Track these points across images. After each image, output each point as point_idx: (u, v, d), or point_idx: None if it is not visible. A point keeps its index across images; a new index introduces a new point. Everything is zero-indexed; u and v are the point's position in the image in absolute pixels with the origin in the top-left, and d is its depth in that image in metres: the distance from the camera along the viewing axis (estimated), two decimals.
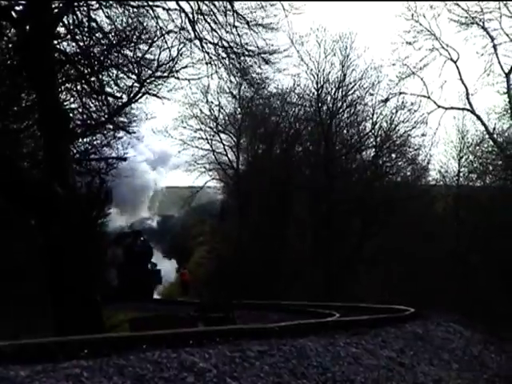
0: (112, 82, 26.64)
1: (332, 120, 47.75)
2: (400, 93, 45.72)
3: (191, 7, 23.29)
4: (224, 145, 57.34)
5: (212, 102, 54.82)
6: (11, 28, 22.00)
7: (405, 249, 43.19)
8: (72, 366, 8.05)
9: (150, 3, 23.28)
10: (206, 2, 23.27)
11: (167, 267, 51.64)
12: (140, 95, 29.60)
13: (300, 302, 30.36)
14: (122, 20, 23.83)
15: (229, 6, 23.39)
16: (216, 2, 23.33)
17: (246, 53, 24.76)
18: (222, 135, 57.13)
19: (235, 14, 23.55)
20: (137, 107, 31.70)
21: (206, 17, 23.39)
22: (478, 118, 44.26)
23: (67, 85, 26.11)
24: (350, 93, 47.41)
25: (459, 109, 45.98)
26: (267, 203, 48.89)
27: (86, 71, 24.90)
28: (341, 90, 47.18)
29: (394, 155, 48.38)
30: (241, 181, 54.01)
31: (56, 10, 20.51)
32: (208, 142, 57.33)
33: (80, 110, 27.39)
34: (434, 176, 49.59)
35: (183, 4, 23.28)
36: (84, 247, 18.31)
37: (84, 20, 22.28)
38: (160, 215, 58.22)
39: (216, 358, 9.64)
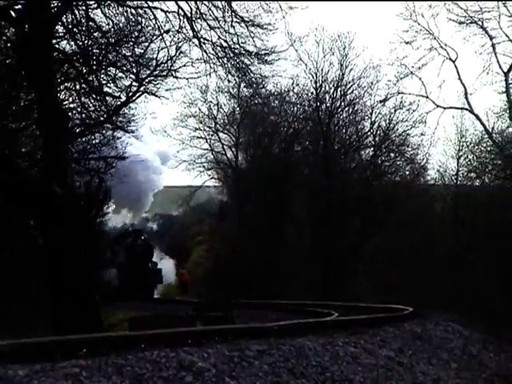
0: (110, 82, 26.65)
1: (331, 119, 47.79)
2: (399, 93, 45.84)
3: (190, 7, 23.32)
4: (223, 144, 57.43)
5: (211, 102, 54.96)
6: (10, 27, 21.99)
7: (403, 248, 43.22)
8: (71, 366, 8.05)
9: (150, 3, 23.29)
10: (205, 2, 23.28)
11: (167, 267, 51.60)
12: (139, 94, 29.59)
13: (299, 301, 30.35)
14: (120, 19, 23.84)
15: (227, 6, 23.40)
16: (214, 2, 23.33)
17: (244, 52, 24.76)
18: (221, 134, 57.25)
19: (233, 14, 23.57)
20: (135, 107, 31.69)
21: (204, 16, 23.41)
22: (477, 117, 44.35)
23: (66, 84, 26.11)
24: (348, 92, 47.50)
25: (458, 108, 46.08)
26: (266, 202, 48.92)
27: (84, 70, 24.90)
28: (339, 89, 47.26)
29: (392, 154, 48.44)
30: (240, 180, 54.00)
31: (55, 10, 20.51)
32: (207, 142, 57.44)
33: (79, 109, 27.40)
34: (433, 175, 49.71)
35: (182, 4, 23.32)
36: (83, 247, 18.30)
37: (82, 19, 22.27)
38: (159, 215, 58.24)
39: (215, 357, 9.64)
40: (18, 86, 24.92)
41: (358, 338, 13.49)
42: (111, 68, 26.15)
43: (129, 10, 23.42)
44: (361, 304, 24.99)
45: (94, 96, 26.10)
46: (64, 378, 7.64)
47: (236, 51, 24.61)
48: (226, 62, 25.09)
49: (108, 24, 23.62)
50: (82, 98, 26.58)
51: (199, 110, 55.33)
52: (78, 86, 25.91)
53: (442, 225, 46.65)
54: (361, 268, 45.46)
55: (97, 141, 31.14)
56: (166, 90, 30.05)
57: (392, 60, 46.35)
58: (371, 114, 47.62)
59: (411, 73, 44.89)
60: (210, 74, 26.31)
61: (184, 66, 28.01)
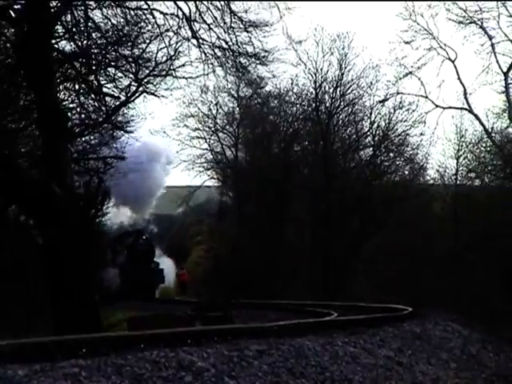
0: (110, 82, 26.65)
1: (330, 119, 47.75)
2: (398, 93, 45.74)
3: (189, 8, 23.32)
4: (222, 144, 57.43)
5: (211, 102, 54.99)
6: (9, 27, 22.00)
7: (403, 248, 43.18)
8: (70, 366, 8.05)
9: (150, 3, 23.29)
10: (204, 2, 23.28)
11: (166, 267, 51.41)
12: (138, 94, 29.60)
13: (298, 301, 30.36)
14: (119, 20, 23.84)
15: (226, 7, 23.41)
16: (213, 3, 23.34)
17: (243, 53, 24.76)
18: (221, 134, 57.24)
19: (232, 15, 23.57)
20: (135, 107, 31.70)
21: (203, 16, 23.41)
22: (476, 117, 44.29)
23: (65, 84, 26.11)
24: (348, 92, 47.42)
25: (457, 108, 45.98)
26: (265, 202, 48.90)
27: (83, 71, 24.91)
28: (339, 89, 47.19)
29: (392, 154, 48.41)
30: (239, 180, 53.98)
31: (54, 10, 20.52)
32: (206, 142, 57.46)
33: (78, 109, 27.42)
34: (433, 175, 49.65)
35: (181, 4, 23.31)
36: (82, 247, 18.31)
37: (82, 19, 22.28)
38: (156, 215, 58.04)
39: (214, 357, 9.65)
40: (18, 86, 24.92)
41: (358, 338, 13.50)
42: (110, 68, 26.17)
43: (128, 11, 23.44)
44: (360, 304, 25.01)
45: (93, 96, 26.11)
46: (63, 378, 7.64)
47: (235, 52, 24.61)
48: (224, 62, 25.10)
49: (107, 24, 23.65)
50: (82, 98, 26.62)
51: (199, 109, 55.43)
52: (77, 86, 25.94)
53: (442, 225, 46.62)
54: (360, 268, 45.44)
55: (96, 141, 31.15)
56: (165, 90, 30.08)
57: (391, 60, 46.13)
58: (370, 114, 47.62)
59: (410, 73, 44.84)
60: (208, 75, 26.34)
61: (183, 65, 28.06)
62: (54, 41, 21.74)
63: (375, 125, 47.42)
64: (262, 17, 24.58)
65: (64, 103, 26.02)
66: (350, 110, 48.32)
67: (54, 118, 18.95)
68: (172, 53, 27.18)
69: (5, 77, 24.45)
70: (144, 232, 48.37)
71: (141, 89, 29.30)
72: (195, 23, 23.66)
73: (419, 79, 45.53)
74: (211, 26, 23.66)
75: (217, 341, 10.60)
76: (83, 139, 30.19)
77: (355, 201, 45.43)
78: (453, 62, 44.63)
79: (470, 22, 41.81)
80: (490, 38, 41.84)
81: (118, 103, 28.77)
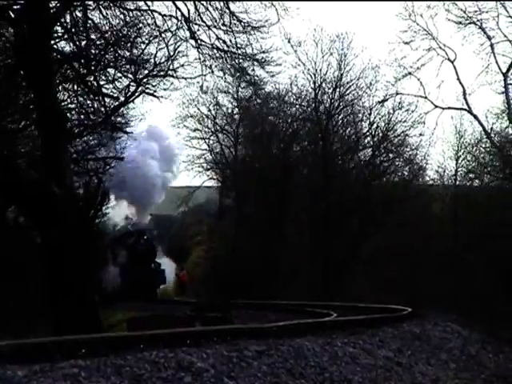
0: (109, 82, 26.65)
1: (329, 120, 47.74)
2: (397, 93, 45.72)
3: (187, 9, 23.32)
4: (222, 144, 57.45)
5: (210, 102, 55.05)
6: (9, 27, 21.99)
7: (403, 248, 43.19)
8: (70, 366, 8.06)
9: (149, 3, 23.30)
10: (203, 2, 23.27)
11: (166, 267, 51.25)
12: (137, 95, 29.60)
13: (298, 301, 30.36)
14: (118, 21, 23.83)
15: (225, 8, 23.40)
16: (212, 3, 23.33)
17: (242, 54, 24.77)
18: (220, 135, 57.28)
19: (231, 15, 23.56)
20: (134, 107, 31.71)
21: (202, 17, 23.41)
22: (476, 117, 44.25)
23: (64, 85, 26.10)
24: (347, 93, 47.43)
25: (456, 109, 45.95)
26: (265, 202, 48.90)
27: (83, 71, 24.90)
28: (338, 89, 47.20)
29: (391, 155, 48.39)
30: (238, 180, 53.99)
31: (53, 10, 20.51)
32: (205, 142, 57.50)
33: (77, 109, 27.41)
34: (432, 176, 49.65)
35: (180, 5, 23.31)
36: (82, 247, 18.31)
37: (81, 20, 22.28)
38: (154, 215, 57.91)
39: (213, 357, 9.65)
40: (17, 87, 24.92)
41: (357, 339, 13.51)
42: (109, 69, 26.18)
43: (127, 12, 23.44)
44: (360, 304, 25.02)
45: (93, 97, 26.11)
46: (63, 378, 7.65)
47: (234, 54, 24.61)
48: (223, 63, 25.11)
49: (106, 25, 23.64)
50: (81, 99, 26.62)
51: (198, 109, 55.49)
52: (76, 87, 25.93)
53: (441, 225, 46.62)
54: (360, 268, 45.46)
55: (95, 141, 31.14)
56: (164, 90, 30.06)
57: (391, 60, 46.15)
58: (370, 114, 47.59)
59: (410, 73, 44.80)
60: (207, 75, 26.34)
61: (182, 66, 28.05)
62: (53, 41, 21.72)
63: (374, 125, 47.44)
64: (260, 16, 24.59)
65: (63, 104, 26.02)
66: (349, 110, 48.35)
67: (54, 118, 18.95)
68: (171, 53, 27.19)
69: (4, 77, 24.45)
70: (145, 232, 48.04)
71: (140, 89, 29.31)
72: (194, 24, 23.67)
73: (418, 80, 45.54)
74: (210, 27, 23.66)
75: (216, 341, 10.60)
76: (82, 140, 30.18)
77: (354, 201, 45.43)
78: (452, 62, 44.62)
79: (470, 23, 41.80)
80: (490, 38, 41.83)
81: (117, 104, 28.77)
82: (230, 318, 20.87)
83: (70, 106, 27.31)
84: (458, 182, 47.12)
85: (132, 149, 36.90)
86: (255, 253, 45.79)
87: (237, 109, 55.74)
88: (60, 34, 23.24)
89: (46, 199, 17.93)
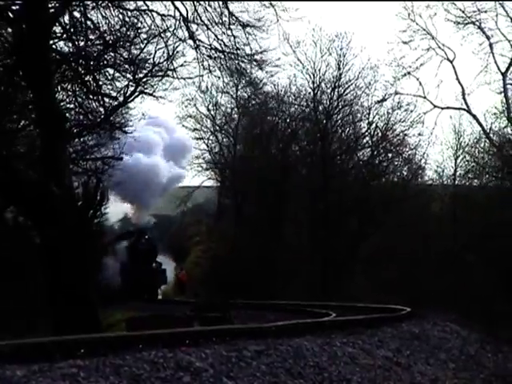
0: (108, 82, 26.63)
1: (328, 120, 47.75)
2: (396, 93, 45.74)
3: (186, 9, 23.30)
4: (221, 144, 57.46)
5: (209, 102, 55.07)
6: (7, 27, 21.98)
7: (401, 248, 43.21)
8: (68, 366, 8.05)
9: (148, 2, 23.27)
10: (201, 2, 23.25)
11: (165, 267, 51.08)
12: (136, 95, 29.57)
13: (297, 301, 30.36)
14: (117, 20, 23.81)
15: (224, 7, 23.39)
16: (211, 3, 23.31)
17: (240, 55, 24.75)
18: (219, 135, 57.27)
19: (230, 15, 23.54)
20: (133, 107, 31.68)
21: (200, 17, 23.40)
22: (475, 117, 44.27)
23: (63, 85, 26.07)
24: (346, 92, 47.45)
25: (455, 108, 45.98)
26: (264, 203, 48.92)
27: (81, 71, 24.89)
28: (337, 89, 47.20)
29: (390, 155, 48.41)
30: (237, 180, 54.00)
31: (52, 10, 20.50)
32: (205, 142, 57.51)
33: (76, 110, 27.40)
34: (431, 176, 49.67)
35: (178, 5, 23.29)
36: (80, 247, 18.31)
37: (80, 19, 22.26)
38: (153, 215, 57.76)
39: (212, 357, 9.65)
40: (16, 87, 24.90)
41: (356, 339, 13.51)
42: (108, 68, 26.15)
43: (125, 12, 23.42)
44: (359, 304, 25.03)
45: (91, 96, 26.09)
46: (61, 378, 7.64)
47: (232, 54, 24.58)
48: (221, 63, 25.09)
49: (104, 25, 23.62)
50: (80, 99, 26.59)
51: (197, 109, 55.51)
52: (75, 87, 25.91)
53: (440, 225, 46.61)
54: (359, 268, 45.46)
55: (94, 141, 31.11)
56: (163, 91, 30.04)
57: (390, 60, 46.15)
58: (369, 114, 47.63)
59: (409, 73, 44.80)
60: (205, 76, 26.31)
61: (181, 65, 28.01)
62: (52, 41, 21.70)
63: (373, 125, 47.47)
64: (259, 16, 24.56)
65: (62, 104, 26.00)
66: (348, 110, 48.37)
67: (52, 118, 18.94)
68: (170, 53, 27.16)
69: (3, 77, 24.44)
70: (146, 231, 47.64)
71: (139, 89, 29.27)
72: (192, 24, 23.65)
73: (417, 79, 45.56)
74: (209, 27, 23.65)
75: (215, 341, 10.60)
76: (81, 140, 30.16)
77: (353, 201, 45.45)
78: (451, 62, 44.65)
79: (469, 23, 41.84)
80: (489, 38, 41.89)
81: (116, 104, 28.74)
82: (228, 317, 20.88)
83: (68, 105, 27.29)
84: (456, 182, 47.15)
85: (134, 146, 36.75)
86: (254, 253, 45.78)
87: (236, 109, 55.78)
88: (59, 34, 23.22)
89: (45, 199, 17.93)
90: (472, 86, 61.30)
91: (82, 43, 23.48)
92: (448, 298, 37.47)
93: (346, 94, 47.48)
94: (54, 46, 22.60)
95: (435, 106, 45.52)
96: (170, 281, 50.64)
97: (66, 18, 22.10)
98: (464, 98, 44.47)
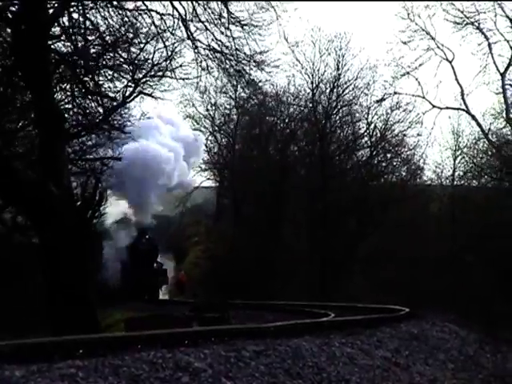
0: (106, 83, 26.62)
1: (327, 120, 47.82)
2: (395, 93, 45.81)
3: (184, 9, 23.27)
4: (219, 144, 57.47)
5: (208, 102, 55.09)
6: (6, 28, 21.97)
7: (400, 248, 43.24)
8: (67, 366, 8.05)
9: (147, 2, 23.24)
10: (200, 2, 23.23)
11: (165, 266, 50.91)
12: (135, 95, 29.55)
13: (296, 301, 30.37)
14: (116, 20, 23.78)
15: (223, 7, 23.36)
16: (210, 4, 23.28)
17: (239, 55, 24.72)
18: (218, 135, 57.28)
19: (229, 15, 23.51)
20: (132, 107, 31.65)
21: (199, 17, 23.37)
22: (473, 117, 44.32)
23: (62, 85, 26.07)
24: (344, 93, 47.52)
25: (454, 109, 46.05)
26: (263, 203, 48.96)
27: (80, 71, 24.87)
28: (336, 90, 47.26)
29: (389, 155, 48.51)
30: (236, 181, 54.01)
31: (51, 11, 20.50)
32: (203, 142, 57.48)
33: (75, 110, 27.37)
34: (430, 176, 49.74)
35: (176, 4, 23.25)
36: (79, 247, 18.31)
37: (79, 20, 22.24)
38: (155, 215, 57.61)
39: (211, 357, 9.65)
40: (15, 87, 24.90)
41: (355, 339, 13.51)
42: (107, 69, 26.13)
43: (124, 12, 23.38)
44: (358, 304, 25.04)
45: (90, 97, 26.08)
46: (60, 378, 7.64)
47: (231, 55, 24.55)
48: (220, 64, 25.06)
49: (103, 26, 23.60)
50: (79, 99, 26.57)
51: (196, 110, 55.53)
52: (74, 87, 25.89)
53: (439, 225, 46.67)
54: (357, 268, 45.51)
55: (93, 142, 31.08)
56: (162, 91, 30.03)
57: (389, 60, 46.32)
58: (367, 114, 47.74)
59: (408, 73, 44.82)
60: (203, 76, 26.27)
61: (180, 66, 27.99)
62: (50, 42, 21.69)
63: (372, 125, 47.59)
64: (259, 16, 24.53)
65: (61, 104, 25.99)
66: (346, 110, 48.44)
67: (51, 118, 18.94)
68: (169, 53, 27.15)
69: (2, 78, 24.43)
70: (147, 231, 47.22)
71: (137, 90, 29.26)
72: (191, 25, 23.62)
73: (416, 79, 45.63)
74: (208, 28, 23.62)
75: (214, 341, 10.60)
76: (80, 140, 30.13)
77: (352, 201, 45.50)
78: (450, 62, 44.70)
79: (467, 23, 41.85)
80: (487, 38, 41.91)
81: (114, 104, 28.73)
82: (227, 318, 20.91)
83: (67, 106, 27.27)
84: (455, 183, 47.21)
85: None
86: (253, 253, 45.80)
87: (235, 109, 55.79)
88: (58, 35, 23.19)
89: (44, 199, 17.92)
90: (471, 86, 61.73)
91: (81, 43, 23.47)
92: (447, 299, 37.53)
93: (345, 95, 47.63)
94: (52, 47, 22.59)
95: (434, 106, 45.61)
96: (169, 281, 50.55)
97: (65, 18, 22.09)
98: (463, 99, 44.57)
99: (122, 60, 25.89)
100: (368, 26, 78.42)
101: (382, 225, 45.04)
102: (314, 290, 41.79)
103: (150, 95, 29.70)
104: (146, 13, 23.38)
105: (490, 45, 41.82)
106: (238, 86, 44.65)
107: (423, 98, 45.68)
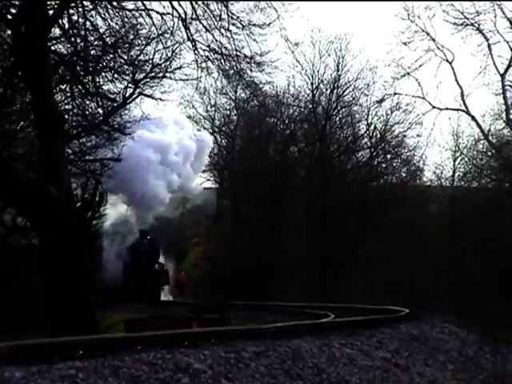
0: (106, 84, 26.63)
1: (327, 121, 47.83)
2: (395, 93, 45.82)
3: (184, 11, 23.25)
4: (219, 146, 57.46)
5: (208, 103, 55.11)
6: (6, 29, 21.98)
7: (400, 249, 43.23)
8: (67, 367, 8.06)
9: (146, 3, 23.22)
10: (200, 3, 23.20)
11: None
12: (135, 96, 29.57)
13: (295, 302, 30.36)
14: (116, 21, 23.77)
15: (223, 8, 23.34)
16: (210, 4, 23.26)
17: (240, 56, 24.70)
18: (218, 136, 57.29)
19: (229, 14, 23.47)
20: (134, 107, 31.66)
21: (200, 18, 23.34)
22: (473, 118, 44.31)
23: (62, 86, 26.06)
24: (344, 94, 47.55)
25: (454, 109, 46.05)
26: (262, 204, 48.95)
27: (80, 73, 24.87)
28: (335, 91, 47.27)
29: (389, 156, 48.53)
30: (236, 182, 54.02)
31: (51, 12, 20.49)
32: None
33: (75, 111, 27.37)
34: (429, 177, 49.77)
35: (176, 5, 23.23)
36: (79, 248, 18.30)
37: (79, 21, 22.23)
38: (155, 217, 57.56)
39: (211, 358, 9.65)
40: (15, 88, 24.90)
41: (355, 340, 13.51)
42: (107, 70, 26.12)
43: (124, 12, 23.36)
44: (357, 305, 25.03)
45: (90, 98, 26.07)
46: (60, 379, 7.64)
47: (231, 56, 24.53)
48: (220, 65, 25.04)
49: (103, 27, 23.59)
50: (79, 100, 26.56)
51: (196, 111, 55.53)
52: (74, 88, 25.88)
53: (439, 226, 46.66)
54: (357, 269, 45.51)
55: (93, 143, 31.08)
56: (162, 93, 30.06)
57: (389, 61, 46.31)
58: (367, 115, 47.78)
59: (408, 73, 44.80)
60: (203, 77, 26.25)
61: (180, 67, 28.01)
62: (50, 43, 21.69)
63: (372, 126, 47.60)
64: (259, 17, 24.50)
65: (61, 105, 25.99)
66: (346, 111, 48.46)
67: (51, 119, 18.92)
68: (169, 55, 27.17)
69: (2, 79, 24.43)
70: (148, 232, 47.06)
71: (137, 91, 29.29)
72: (191, 25, 23.60)
73: (417, 80, 45.63)
74: (208, 28, 23.60)
75: (214, 342, 10.60)
76: (80, 141, 30.12)
77: (352, 202, 45.50)
78: (450, 63, 44.67)
79: (467, 24, 41.84)
80: (487, 39, 41.89)
81: (115, 105, 28.74)
82: (227, 319, 20.89)
83: (67, 107, 27.27)
84: (455, 184, 47.21)
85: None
86: (253, 254, 45.79)
87: (234, 110, 55.80)
88: (58, 36, 23.20)
89: (44, 200, 17.91)
90: (471, 87, 61.64)
91: (80, 45, 23.47)
92: (446, 299, 37.52)
93: (345, 96, 47.67)
94: (52, 48, 22.59)
95: (434, 107, 45.58)
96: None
97: (65, 20, 22.09)
98: (463, 99, 44.53)
99: (122, 61, 25.89)
100: (368, 26, 78.59)
101: (382, 226, 45.04)
102: (314, 291, 41.78)
103: (149, 96, 29.74)
104: (146, 12, 23.36)
105: (489, 46, 41.83)
106: (238, 87, 44.81)
107: (423, 98, 45.74)
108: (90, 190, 20.29)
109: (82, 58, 23.49)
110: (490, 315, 31.66)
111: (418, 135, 47.10)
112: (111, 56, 25.21)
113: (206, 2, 23.11)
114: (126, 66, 26.48)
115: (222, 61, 24.51)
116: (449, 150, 47.04)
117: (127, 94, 29.14)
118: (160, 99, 30.22)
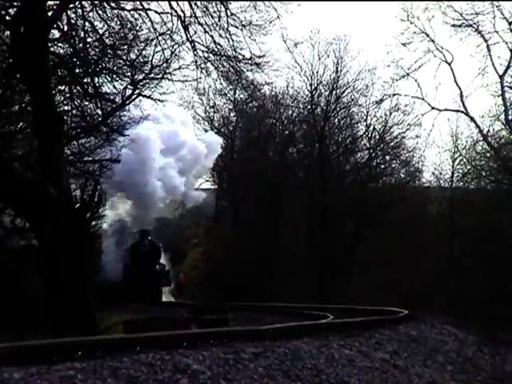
0: (106, 85, 26.62)
1: (326, 122, 47.87)
2: (394, 94, 45.82)
3: (183, 11, 23.24)
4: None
5: (207, 104, 55.11)
6: (5, 30, 21.98)
7: (399, 250, 43.24)
8: (66, 368, 8.05)
9: (144, 3, 23.22)
10: (198, 3, 23.18)
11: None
12: (134, 97, 29.59)
13: (294, 303, 30.34)
14: (116, 22, 23.76)
15: (223, 8, 23.32)
16: (210, 5, 23.24)
17: (239, 57, 24.69)
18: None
19: (229, 14, 23.45)
20: (131, 109, 31.64)
21: (199, 19, 23.33)
22: (472, 119, 44.33)
23: (61, 87, 26.07)
24: (343, 95, 47.60)
25: (453, 110, 46.05)
26: (261, 205, 48.96)
27: (79, 74, 24.87)
28: (334, 92, 47.32)
29: (388, 157, 48.55)
30: (235, 183, 54.02)
31: (50, 13, 20.49)
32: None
33: (74, 112, 27.37)
34: (428, 178, 49.79)
35: (175, 5, 23.22)
36: (78, 249, 18.29)
37: (78, 22, 22.24)
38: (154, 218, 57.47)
39: (210, 360, 9.65)
40: (13, 89, 24.89)
41: (354, 341, 13.50)
42: (106, 71, 26.12)
43: (123, 12, 23.35)
44: (356, 306, 25.03)
45: (89, 99, 26.07)
46: (59, 380, 7.64)
47: (230, 58, 24.52)
48: (219, 66, 25.02)
49: (103, 28, 23.58)
50: (78, 101, 26.57)
51: (195, 111, 55.51)
52: (73, 89, 25.88)
53: (438, 227, 46.66)
54: (356, 270, 45.50)
55: (92, 143, 31.07)
56: (160, 94, 30.07)
57: (388, 62, 46.35)
58: (366, 116, 47.83)
59: (407, 74, 44.82)
60: (202, 78, 26.25)
61: (179, 68, 28.03)
62: (50, 44, 21.68)
63: (371, 127, 47.63)
64: (258, 17, 24.48)
65: (60, 106, 25.99)
66: (345, 112, 48.49)
67: (50, 120, 18.92)
68: (168, 56, 27.17)
69: (1, 79, 24.42)
70: (149, 232, 46.85)
71: (137, 92, 29.31)
72: (190, 26, 23.58)
73: (416, 81, 45.64)
74: (207, 29, 23.58)
75: (213, 343, 10.60)
76: (79, 142, 30.12)
77: (351, 203, 45.53)
78: (449, 64, 44.69)
79: (466, 25, 41.85)
80: (486, 40, 41.90)
81: (114, 106, 28.75)
82: (226, 320, 20.88)
83: (66, 108, 27.27)
84: (454, 185, 47.20)
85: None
86: (252, 255, 45.82)
87: (234, 111, 55.81)
88: (57, 37, 23.20)
89: (43, 201, 17.91)
90: (470, 88, 61.59)
91: (79, 46, 23.47)
92: (445, 300, 37.50)
93: (344, 97, 47.76)
94: (51, 49, 22.58)
95: (433, 108, 45.60)
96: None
97: (64, 20, 22.08)
98: (462, 101, 44.55)
99: (121, 62, 25.91)
100: (367, 28, 78.61)
101: (381, 227, 45.05)
102: (313, 292, 41.78)
103: (149, 97, 29.76)
104: (144, 12, 23.34)
105: (488, 47, 41.82)
106: (237, 88, 44.78)
107: (422, 99, 45.75)
108: (89, 191, 20.30)
109: (81, 59, 23.49)
110: (489, 316, 31.65)
111: (417, 136, 47.23)
112: (110, 57, 25.23)
113: (203, 3, 23.11)
114: (125, 67, 26.51)
115: (221, 62, 24.52)
116: (448, 151, 47.09)
117: (126, 95, 29.16)
118: (159, 100, 30.26)
